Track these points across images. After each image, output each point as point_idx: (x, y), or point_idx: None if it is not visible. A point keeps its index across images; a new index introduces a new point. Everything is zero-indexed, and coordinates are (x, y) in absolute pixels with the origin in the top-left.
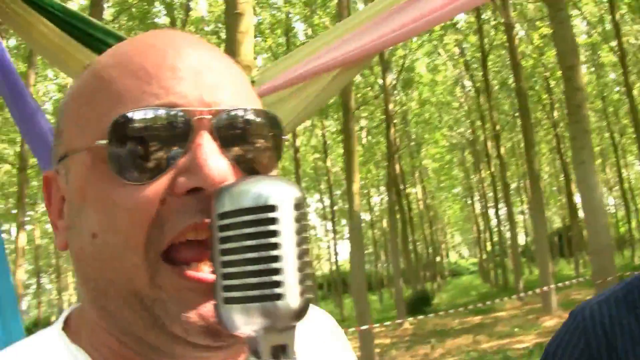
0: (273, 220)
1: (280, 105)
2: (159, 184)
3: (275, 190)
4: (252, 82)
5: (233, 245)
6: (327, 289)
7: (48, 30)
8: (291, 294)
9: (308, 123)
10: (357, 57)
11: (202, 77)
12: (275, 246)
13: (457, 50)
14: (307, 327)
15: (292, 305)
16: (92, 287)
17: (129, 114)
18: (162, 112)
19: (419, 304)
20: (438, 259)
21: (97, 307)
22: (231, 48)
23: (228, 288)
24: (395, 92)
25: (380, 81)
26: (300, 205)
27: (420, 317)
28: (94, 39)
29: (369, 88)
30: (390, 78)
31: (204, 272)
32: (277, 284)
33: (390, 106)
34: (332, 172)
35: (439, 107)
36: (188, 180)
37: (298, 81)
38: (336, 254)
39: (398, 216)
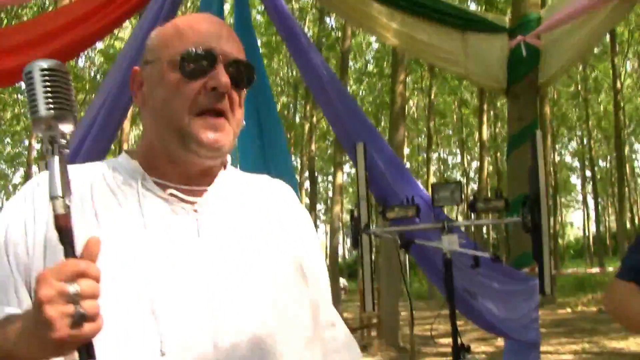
0: (32, 77)
1: (565, 39)
2: (200, 82)
3: (35, 63)
4: (539, 19)
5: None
6: None
7: None
8: (42, 108)
9: (635, 64)
10: None
11: (223, 38)
12: (33, 88)
13: None
14: (267, 189)
15: (43, 114)
16: (158, 126)
17: (191, 49)
18: (207, 52)
19: None
20: None
21: (159, 138)
22: None
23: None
24: None
25: None
26: (47, 68)
27: None
28: None
29: None
30: None
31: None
32: (37, 105)
33: None
34: None
35: None
36: (212, 83)
37: (578, 14)
38: None
39: None
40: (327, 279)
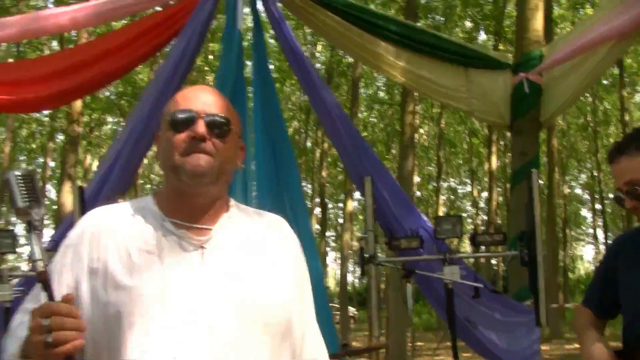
0: (9, 182)
1: (566, 76)
2: (185, 134)
3: (11, 172)
4: (541, 56)
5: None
6: None
7: (330, 20)
8: (19, 202)
9: None
10: (633, 28)
11: (205, 101)
12: (12, 189)
13: None
14: (266, 227)
15: (20, 205)
16: (164, 168)
17: (177, 111)
18: (188, 111)
19: None
20: None
21: (167, 178)
22: (521, 24)
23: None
24: None
25: None
26: (19, 175)
27: None
28: (373, 25)
29: None
30: None
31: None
32: (16, 200)
33: None
34: None
35: None
36: (191, 133)
37: (580, 52)
38: None
39: None
40: (313, 311)
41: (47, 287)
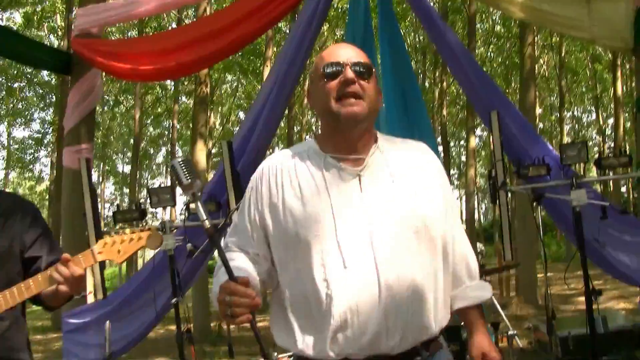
0: (175, 166)
1: None
2: (337, 80)
3: (175, 160)
4: None
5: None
6: None
7: None
8: (184, 180)
9: None
10: None
11: (348, 53)
12: (177, 172)
13: None
14: (411, 152)
15: (185, 183)
16: (321, 113)
17: (327, 63)
18: (336, 63)
19: None
20: None
21: (324, 121)
22: None
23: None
24: None
25: None
26: (182, 161)
27: None
28: None
29: None
30: None
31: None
32: (181, 179)
33: None
34: None
35: None
36: (342, 78)
37: None
38: None
39: None
40: (460, 221)
41: (214, 241)
